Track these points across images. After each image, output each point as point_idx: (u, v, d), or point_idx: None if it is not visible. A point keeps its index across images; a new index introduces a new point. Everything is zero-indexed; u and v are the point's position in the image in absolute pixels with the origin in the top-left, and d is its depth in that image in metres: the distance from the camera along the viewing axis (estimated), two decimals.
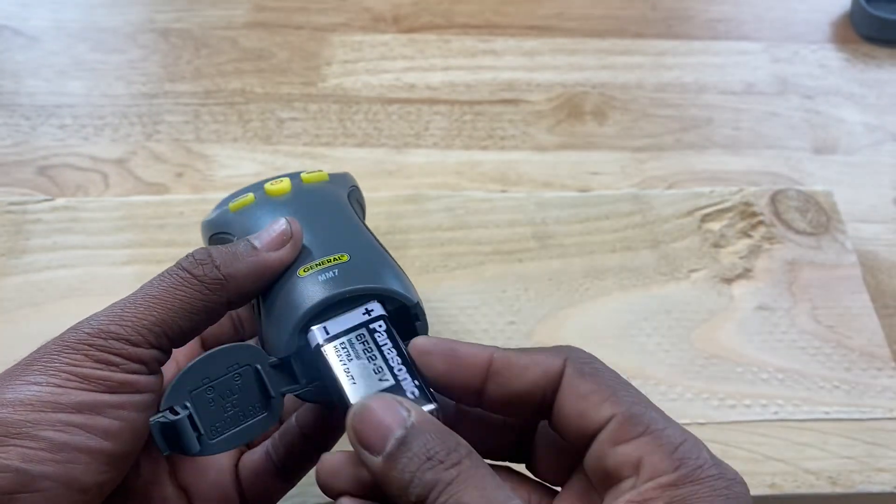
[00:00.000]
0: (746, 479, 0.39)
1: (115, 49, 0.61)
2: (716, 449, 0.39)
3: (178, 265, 0.29)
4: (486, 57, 0.61)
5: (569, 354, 0.27)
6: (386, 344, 0.28)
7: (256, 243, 0.30)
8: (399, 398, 0.25)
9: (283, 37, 0.62)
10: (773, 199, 0.49)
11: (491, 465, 0.25)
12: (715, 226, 0.48)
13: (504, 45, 0.62)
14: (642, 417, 0.25)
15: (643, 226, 0.48)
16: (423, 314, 0.30)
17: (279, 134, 0.55)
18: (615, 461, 0.25)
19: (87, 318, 0.28)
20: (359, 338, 0.28)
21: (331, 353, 0.27)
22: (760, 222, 0.48)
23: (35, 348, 0.27)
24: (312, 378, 0.28)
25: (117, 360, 0.27)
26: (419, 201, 0.49)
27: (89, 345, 0.26)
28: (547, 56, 0.61)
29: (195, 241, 0.47)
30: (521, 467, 0.30)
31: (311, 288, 0.28)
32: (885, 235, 0.50)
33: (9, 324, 0.43)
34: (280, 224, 0.30)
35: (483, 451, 0.25)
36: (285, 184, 0.33)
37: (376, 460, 0.24)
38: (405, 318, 0.29)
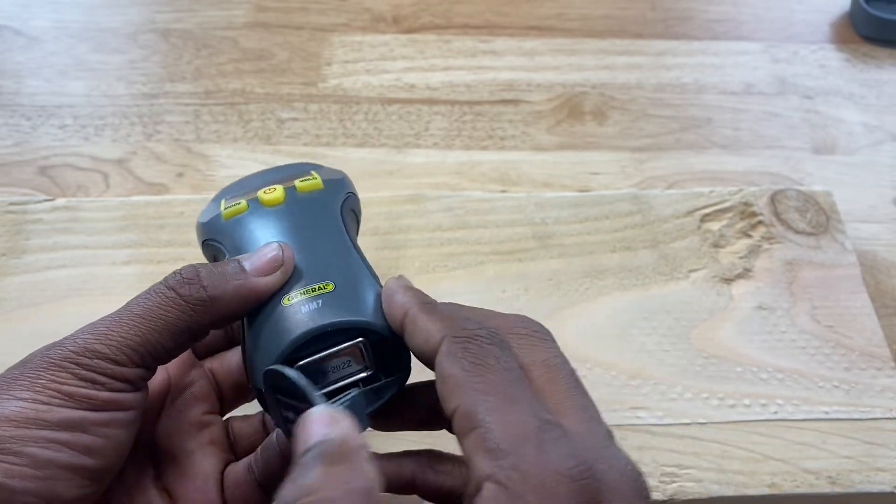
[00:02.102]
0: (746, 479, 0.39)
1: (116, 49, 0.61)
2: (715, 448, 0.39)
3: (165, 282, 0.29)
4: (486, 57, 0.61)
5: (451, 330, 0.27)
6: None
7: (246, 265, 0.29)
8: (333, 411, 0.25)
9: (283, 37, 0.62)
10: (773, 199, 0.49)
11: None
12: (714, 226, 0.48)
13: (504, 45, 0.62)
14: (477, 409, 0.24)
15: (643, 226, 0.48)
16: (408, 347, 0.29)
17: (279, 134, 0.55)
18: (465, 456, 0.25)
19: (72, 335, 0.28)
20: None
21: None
22: (760, 222, 0.48)
23: (35, 349, 0.28)
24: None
25: (102, 379, 0.27)
26: (419, 201, 0.49)
27: (75, 363, 0.27)
28: (547, 56, 0.61)
29: (195, 240, 0.47)
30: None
31: (293, 320, 0.28)
32: (884, 235, 0.50)
33: (9, 324, 0.43)
34: (272, 249, 0.30)
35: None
36: (278, 193, 0.33)
37: None
38: (389, 349, 0.29)
